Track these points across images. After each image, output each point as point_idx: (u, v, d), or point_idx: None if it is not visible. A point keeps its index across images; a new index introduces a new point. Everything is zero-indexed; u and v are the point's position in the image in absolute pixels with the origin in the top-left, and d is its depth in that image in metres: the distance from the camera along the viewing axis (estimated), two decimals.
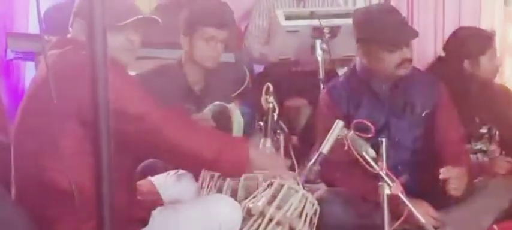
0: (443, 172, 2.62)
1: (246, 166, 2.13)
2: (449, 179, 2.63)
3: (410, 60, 2.80)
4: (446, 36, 3.58)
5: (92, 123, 1.20)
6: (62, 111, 1.83)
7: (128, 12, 2.21)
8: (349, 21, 3.16)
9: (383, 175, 2.32)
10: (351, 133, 2.36)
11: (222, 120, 2.82)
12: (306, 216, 2.17)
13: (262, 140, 2.47)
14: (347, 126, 2.39)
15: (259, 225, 2.14)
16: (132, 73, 2.96)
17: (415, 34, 2.88)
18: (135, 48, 2.26)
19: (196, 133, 2.14)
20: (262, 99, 2.51)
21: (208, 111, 2.90)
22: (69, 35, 2.28)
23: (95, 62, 1.20)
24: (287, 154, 2.55)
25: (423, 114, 2.88)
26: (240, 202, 2.24)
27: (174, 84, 3.18)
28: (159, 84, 3.08)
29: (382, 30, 2.78)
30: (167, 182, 2.63)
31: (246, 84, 3.61)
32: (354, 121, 2.43)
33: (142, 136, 2.03)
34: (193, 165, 2.24)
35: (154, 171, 2.72)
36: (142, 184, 2.60)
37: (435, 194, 2.70)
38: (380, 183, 2.34)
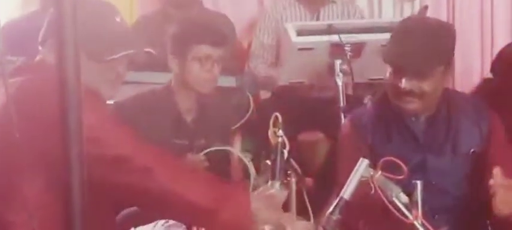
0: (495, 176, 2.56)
1: (249, 219, 2.12)
2: (497, 189, 2.57)
3: (412, 94, 2.78)
4: (495, 53, 3.60)
5: (62, 168, 1.21)
6: (25, 153, 1.84)
7: (118, 43, 2.23)
8: (375, 36, 3.17)
9: (418, 226, 2.32)
10: (379, 174, 2.36)
11: (220, 169, 2.87)
12: None
13: (269, 183, 2.47)
14: (374, 165, 2.39)
15: None
16: (109, 101, 2.99)
17: (413, 65, 2.77)
18: (120, 79, 2.29)
19: (191, 177, 2.15)
20: (270, 132, 2.51)
21: (202, 156, 2.93)
22: (38, 58, 2.28)
23: (66, 92, 1.21)
24: (300, 201, 2.55)
25: (469, 152, 2.88)
26: None
27: (162, 113, 3.20)
28: (143, 114, 3.10)
29: (386, 48, 2.85)
30: None
31: (249, 113, 3.62)
32: (382, 159, 2.43)
33: (126, 183, 2.04)
34: (187, 215, 2.23)
35: (137, 221, 2.72)
36: None
37: None
38: None
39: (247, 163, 2.97)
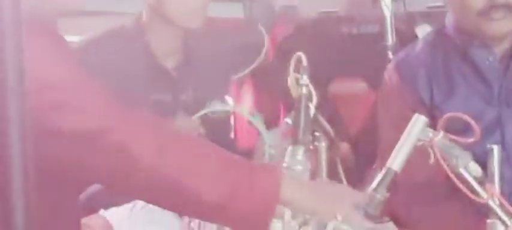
0: None
1: (272, 214, 2.09)
2: None
3: (506, 8, 2.82)
4: None
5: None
6: None
7: None
8: None
9: (494, 207, 2.31)
10: (440, 136, 2.34)
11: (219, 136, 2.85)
12: None
13: (290, 149, 2.46)
14: (432, 124, 2.36)
15: None
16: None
17: None
18: None
19: (191, 155, 2.11)
20: (290, 79, 2.49)
21: (196, 118, 2.93)
22: None
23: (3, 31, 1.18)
24: (333, 173, 2.55)
25: None
26: None
27: (133, 59, 3.16)
28: (108, 61, 3.07)
29: None
30: (132, 220, 2.66)
31: (262, 55, 3.62)
32: (445, 116, 2.40)
33: (99, 165, 2.01)
34: (184, 209, 2.24)
35: (108, 201, 2.74)
36: (91, 223, 2.62)
37: None
38: (489, 220, 2.33)
39: (259, 127, 2.95)
